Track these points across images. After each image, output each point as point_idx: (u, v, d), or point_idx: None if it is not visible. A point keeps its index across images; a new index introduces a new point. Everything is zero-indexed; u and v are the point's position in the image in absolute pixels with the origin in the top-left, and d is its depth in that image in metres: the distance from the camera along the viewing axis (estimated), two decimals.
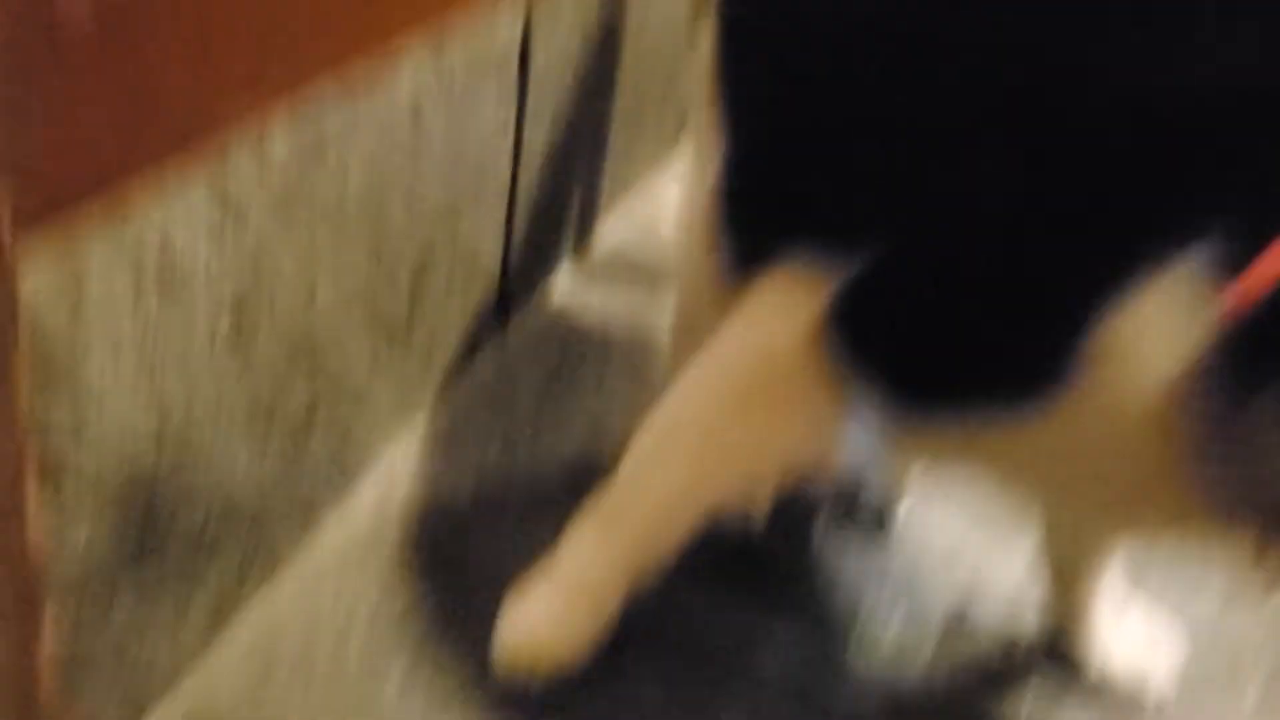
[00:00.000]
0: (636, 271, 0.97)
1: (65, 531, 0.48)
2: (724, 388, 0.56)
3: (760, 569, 0.71)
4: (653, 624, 0.65)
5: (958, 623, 0.70)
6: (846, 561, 0.73)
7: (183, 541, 0.56)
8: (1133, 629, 0.68)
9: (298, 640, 0.62)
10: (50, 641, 0.48)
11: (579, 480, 0.76)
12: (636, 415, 0.81)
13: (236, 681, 0.59)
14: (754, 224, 0.58)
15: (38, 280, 0.43)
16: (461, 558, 0.69)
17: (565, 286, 0.94)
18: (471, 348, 0.82)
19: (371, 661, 0.62)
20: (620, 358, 0.87)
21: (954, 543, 0.75)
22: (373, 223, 0.64)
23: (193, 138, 0.49)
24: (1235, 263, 0.43)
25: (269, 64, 0.52)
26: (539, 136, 0.83)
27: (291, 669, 0.61)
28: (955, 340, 0.49)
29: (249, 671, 0.60)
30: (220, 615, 0.61)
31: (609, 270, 0.97)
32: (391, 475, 0.73)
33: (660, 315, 0.92)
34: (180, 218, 0.49)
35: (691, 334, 0.67)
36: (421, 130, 0.66)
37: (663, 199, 1.07)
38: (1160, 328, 0.45)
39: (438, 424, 0.78)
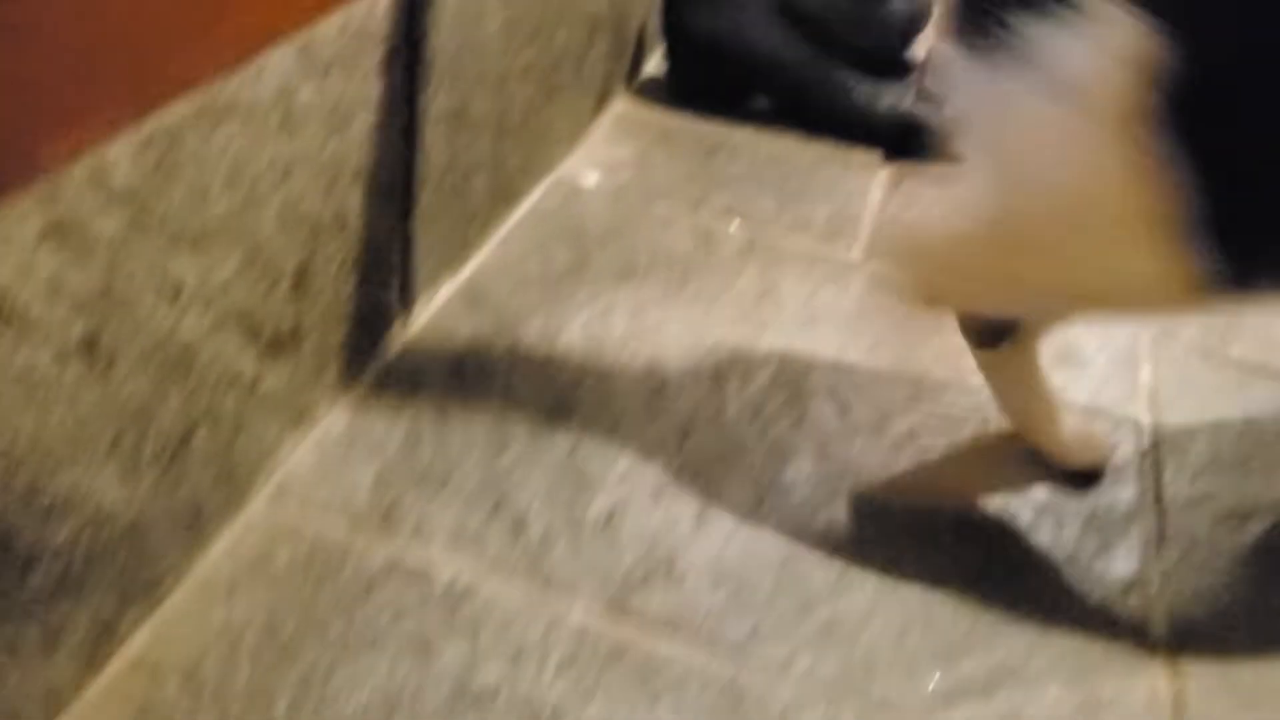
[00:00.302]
0: (550, 259, 0.95)
1: None
2: None
3: None
4: None
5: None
6: None
7: (46, 581, 0.54)
8: None
9: (181, 667, 0.61)
10: None
11: (483, 480, 0.74)
12: (543, 413, 0.80)
13: (115, 717, 0.58)
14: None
15: None
16: (358, 566, 0.68)
17: (474, 276, 0.92)
18: (369, 345, 0.80)
19: (259, 685, 0.61)
20: (529, 351, 0.85)
21: None
22: (244, 231, 0.62)
23: (18, 174, 0.47)
24: None
25: (107, 94, 0.50)
26: (439, 125, 0.80)
27: (175, 697, 0.59)
28: None
29: (128, 705, 0.59)
30: (98, 651, 0.59)
31: (521, 257, 0.95)
32: (285, 484, 0.72)
33: (574, 300, 0.90)
34: (10, 255, 0.47)
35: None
36: (294, 134, 0.64)
37: (578, 183, 1.05)
38: None
39: (334, 427, 0.76)
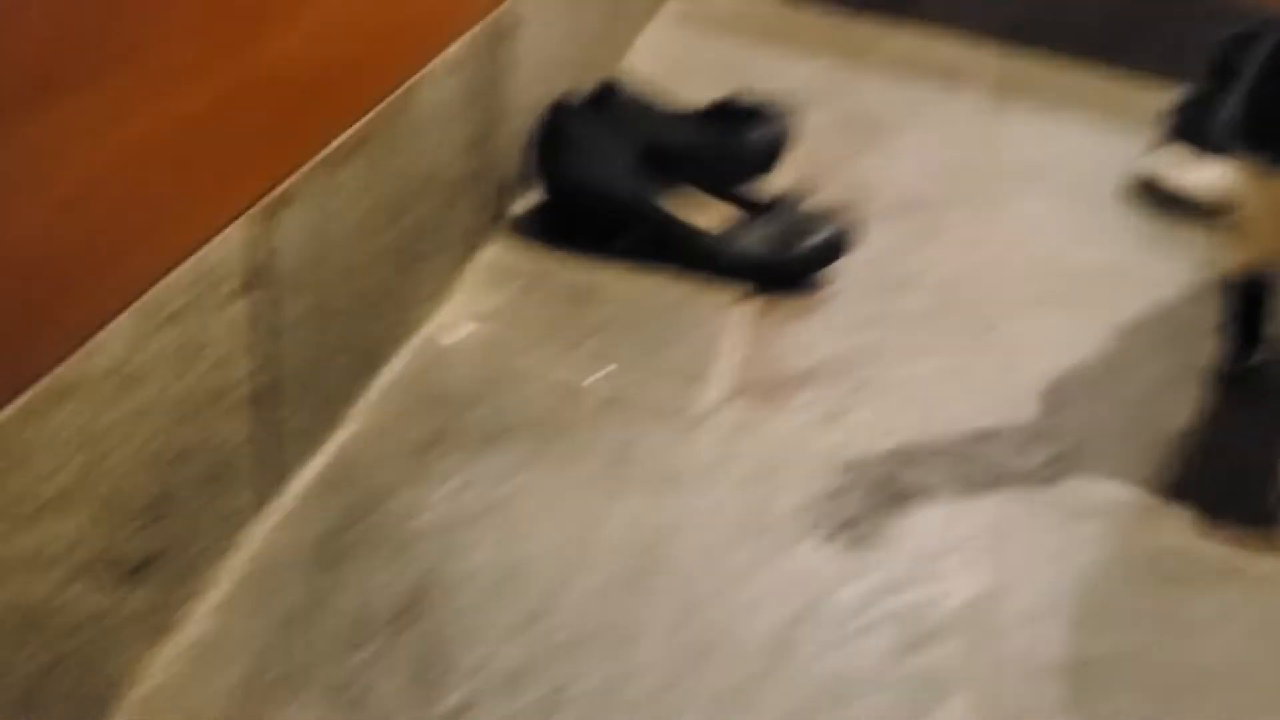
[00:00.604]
0: (414, 429, 0.99)
1: None
2: None
3: None
4: None
5: None
6: None
7: None
8: None
9: None
10: None
11: (341, 679, 0.78)
12: (401, 600, 0.84)
13: None
14: None
15: None
16: None
17: (338, 456, 0.95)
18: (230, 546, 0.83)
19: None
20: (389, 534, 0.89)
21: None
22: (94, 488, 0.65)
23: None
24: None
25: None
26: (296, 329, 0.84)
27: None
28: None
29: None
30: None
31: (385, 430, 0.98)
32: (149, 699, 0.74)
33: (435, 473, 0.94)
34: None
35: None
36: (140, 386, 0.67)
37: (445, 340, 1.09)
38: None
39: (197, 634, 0.79)
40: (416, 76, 0.94)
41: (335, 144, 0.83)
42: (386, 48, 0.89)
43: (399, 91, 0.92)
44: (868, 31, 1.90)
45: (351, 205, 0.88)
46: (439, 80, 0.98)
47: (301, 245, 0.82)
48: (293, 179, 0.78)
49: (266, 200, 0.76)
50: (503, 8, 1.10)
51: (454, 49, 1.00)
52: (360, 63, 0.85)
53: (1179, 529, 1.03)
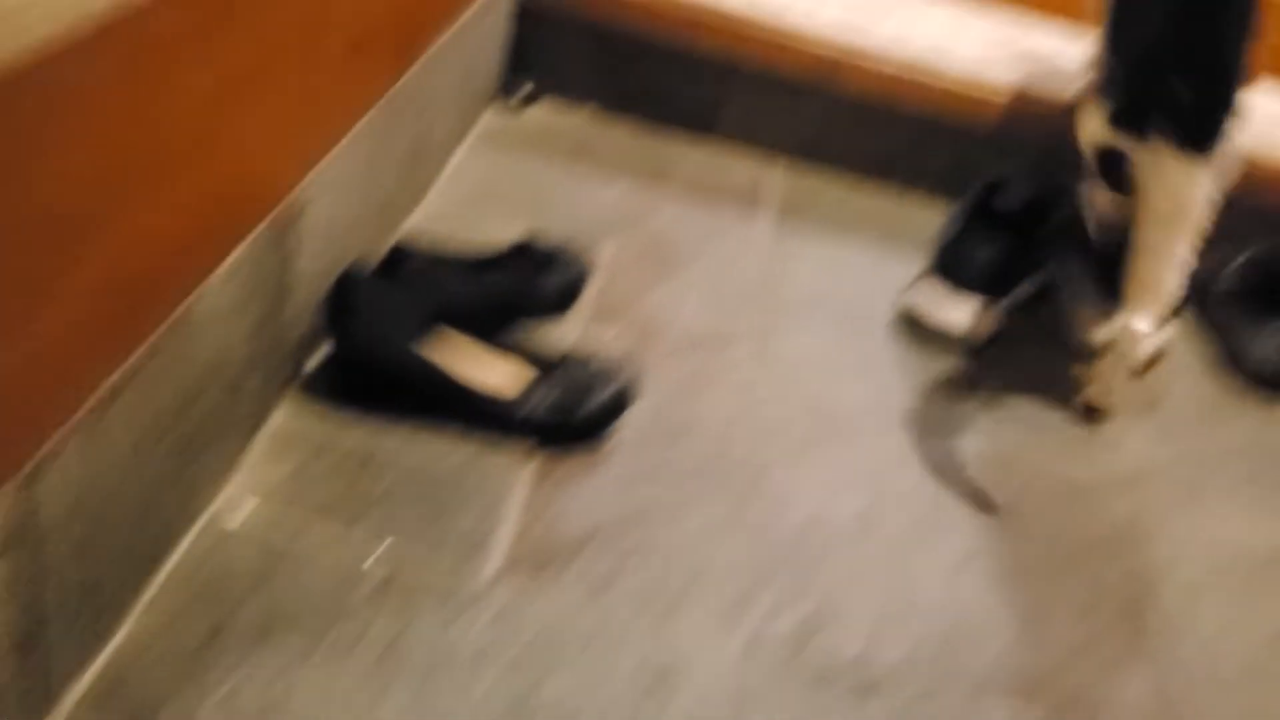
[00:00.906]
0: (190, 627, 1.02)
1: None
2: None
3: None
4: None
5: None
6: None
7: None
8: None
9: None
10: None
11: None
12: None
13: None
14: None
15: None
16: None
17: (110, 664, 0.98)
18: None
19: None
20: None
21: None
22: None
23: None
24: None
25: None
26: (69, 560, 0.87)
27: None
28: None
29: None
30: None
31: (160, 630, 1.02)
32: None
33: (210, 676, 0.98)
34: None
35: None
36: None
37: (225, 524, 1.12)
38: None
39: None
40: (192, 296, 0.98)
41: (103, 388, 0.87)
42: (155, 287, 0.92)
43: (172, 317, 0.95)
44: (669, 149, 1.99)
45: (124, 431, 0.91)
46: (218, 289, 1.02)
47: (66, 490, 0.85)
48: (54, 439, 0.82)
49: (25, 470, 0.79)
50: (287, 199, 1.14)
51: (234, 255, 1.04)
52: (130, 309, 0.89)
53: (912, 687, 1.14)
